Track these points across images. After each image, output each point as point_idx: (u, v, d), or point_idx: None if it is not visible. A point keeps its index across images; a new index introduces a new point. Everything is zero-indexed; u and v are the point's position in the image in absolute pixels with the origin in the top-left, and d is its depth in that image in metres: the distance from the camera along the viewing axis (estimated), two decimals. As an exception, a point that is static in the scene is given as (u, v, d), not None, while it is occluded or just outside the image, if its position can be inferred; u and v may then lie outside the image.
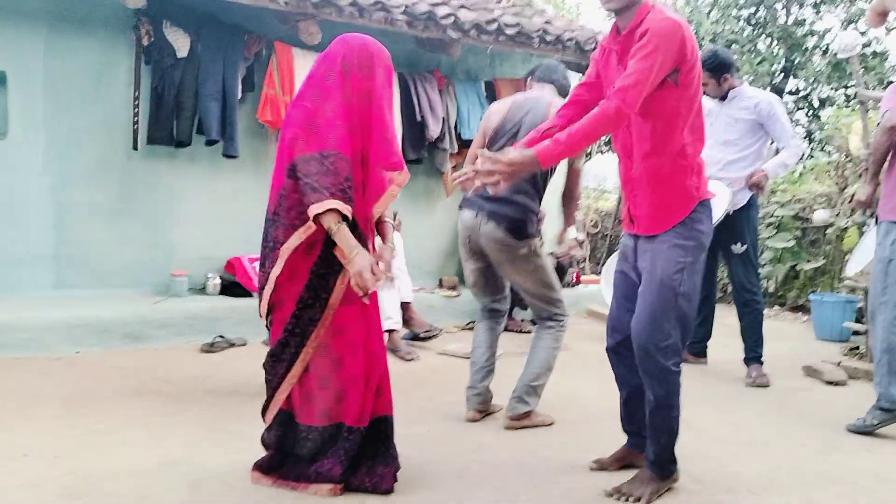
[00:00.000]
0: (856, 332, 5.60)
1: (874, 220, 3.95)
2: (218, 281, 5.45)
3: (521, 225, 3.45)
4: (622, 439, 3.07)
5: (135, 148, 5.33)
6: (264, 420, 2.75)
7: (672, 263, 2.65)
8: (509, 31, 6.06)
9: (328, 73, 2.63)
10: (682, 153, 2.65)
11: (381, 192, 2.65)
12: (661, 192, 2.68)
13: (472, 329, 5.95)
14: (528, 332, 5.92)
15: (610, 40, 2.71)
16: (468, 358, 4.92)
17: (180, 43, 5.27)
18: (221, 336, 4.92)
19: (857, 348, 5.46)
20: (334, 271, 2.60)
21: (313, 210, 2.46)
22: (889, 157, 3.85)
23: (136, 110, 5.32)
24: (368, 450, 2.69)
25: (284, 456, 2.71)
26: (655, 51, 2.47)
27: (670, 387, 2.70)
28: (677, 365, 2.70)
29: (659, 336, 2.65)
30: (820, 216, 6.80)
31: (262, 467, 2.72)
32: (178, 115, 5.37)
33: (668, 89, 2.57)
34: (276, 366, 2.68)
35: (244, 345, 4.88)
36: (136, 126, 5.31)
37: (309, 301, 2.61)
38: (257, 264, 3.92)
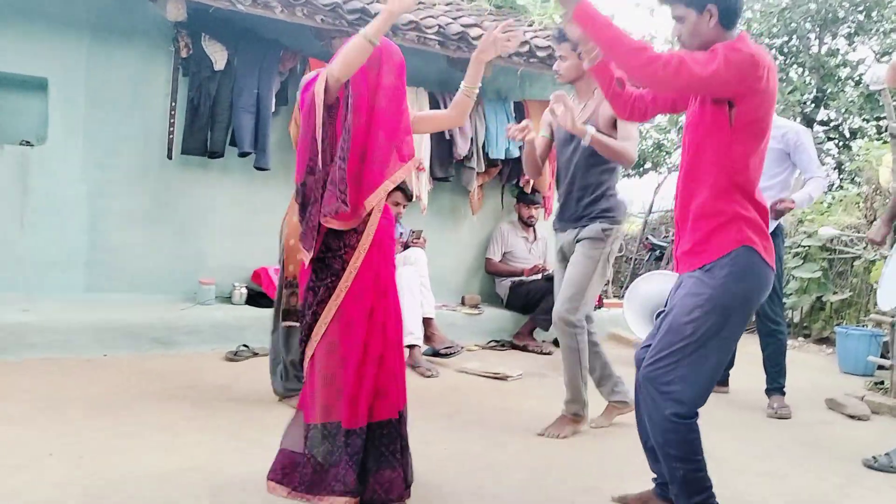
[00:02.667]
0: (881, 367, 5.54)
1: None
2: (244, 290, 5.52)
3: None
4: (643, 470, 3.05)
5: (169, 157, 5.43)
6: (302, 365, 2.76)
7: (685, 311, 2.46)
8: (540, 54, 6.11)
9: None
10: (727, 195, 2.47)
11: (375, 186, 2.67)
12: (698, 231, 2.50)
13: (493, 348, 5.99)
14: (549, 353, 5.93)
15: None
16: (487, 376, 4.98)
17: (218, 56, 5.38)
18: (245, 345, 4.98)
19: (882, 383, 5.40)
20: (337, 256, 2.65)
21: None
22: None
23: (172, 120, 5.43)
24: (372, 455, 2.68)
25: (296, 464, 2.68)
26: (718, 57, 2.33)
27: (670, 436, 2.47)
28: (679, 417, 2.45)
29: (659, 381, 2.47)
30: (826, 232, 6.73)
31: (276, 476, 2.69)
32: (212, 127, 5.47)
33: (721, 125, 2.44)
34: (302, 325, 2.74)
35: (267, 355, 4.93)
36: (171, 136, 5.42)
37: (312, 286, 2.66)
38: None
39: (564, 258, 3.93)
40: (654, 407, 2.49)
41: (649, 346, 2.68)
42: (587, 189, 3.80)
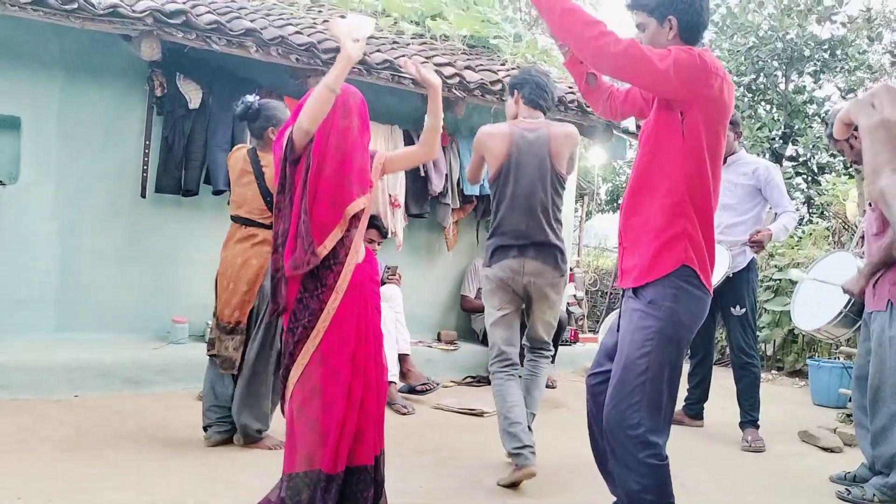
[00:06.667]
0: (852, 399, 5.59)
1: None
2: (218, 329, 5.47)
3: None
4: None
5: (143, 196, 5.41)
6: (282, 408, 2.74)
7: (636, 346, 2.42)
8: (514, 92, 6.19)
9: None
10: (677, 208, 2.43)
11: (333, 226, 2.66)
12: (644, 246, 2.47)
13: (469, 384, 5.97)
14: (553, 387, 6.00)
15: None
16: (463, 413, 4.96)
17: (192, 94, 5.39)
18: (219, 384, 4.92)
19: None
20: (314, 296, 2.64)
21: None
22: None
23: (146, 159, 5.42)
24: (349, 499, 2.65)
25: None
26: (671, 54, 2.34)
27: (647, 482, 2.39)
28: (655, 457, 2.40)
29: (626, 424, 2.41)
30: (795, 273, 6.77)
31: None
32: (186, 165, 5.47)
33: (673, 135, 2.43)
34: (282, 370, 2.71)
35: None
36: (144, 174, 5.41)
37: (291, 327, 2.65)
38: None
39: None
40: (627, 454, 2.43)
41: (596, 373, 2.71)
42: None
